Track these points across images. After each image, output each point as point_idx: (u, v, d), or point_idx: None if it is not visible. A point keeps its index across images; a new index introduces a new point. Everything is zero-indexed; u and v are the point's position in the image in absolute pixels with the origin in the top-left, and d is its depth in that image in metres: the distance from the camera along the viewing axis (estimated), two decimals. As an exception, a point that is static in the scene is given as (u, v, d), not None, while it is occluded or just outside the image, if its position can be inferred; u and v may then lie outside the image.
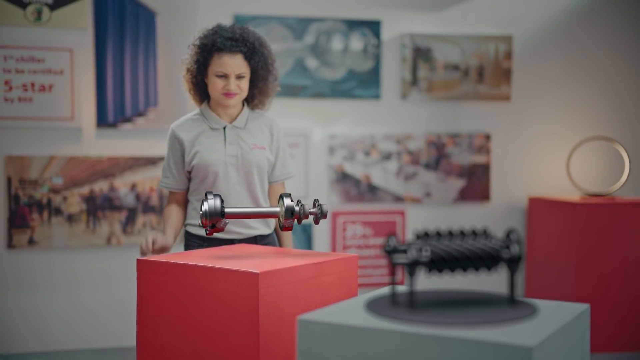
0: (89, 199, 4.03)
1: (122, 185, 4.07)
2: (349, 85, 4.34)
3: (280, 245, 2.70)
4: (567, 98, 4.64)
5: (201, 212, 2.15)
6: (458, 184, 4.50)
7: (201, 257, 2.07)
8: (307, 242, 4.30)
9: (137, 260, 2.06)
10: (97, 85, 4.02)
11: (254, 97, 2.64)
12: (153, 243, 2.39)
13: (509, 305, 1.50)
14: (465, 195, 4.51)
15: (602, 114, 4.67)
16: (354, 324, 1.42)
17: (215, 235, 2.53)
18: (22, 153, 3.95)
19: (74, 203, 4.01)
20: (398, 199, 4.43)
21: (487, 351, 1.29)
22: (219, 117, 2.60)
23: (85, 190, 4.03)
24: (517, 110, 4.59)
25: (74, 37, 3.99)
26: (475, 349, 1.30)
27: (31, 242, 3.95)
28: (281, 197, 2.18)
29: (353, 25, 4.34)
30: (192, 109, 2.80)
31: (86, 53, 4.01)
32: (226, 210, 2.16)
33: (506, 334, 1.32)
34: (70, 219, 4.01)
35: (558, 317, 1.46)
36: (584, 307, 1.57)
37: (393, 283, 1.54)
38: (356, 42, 4.35)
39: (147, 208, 4.10)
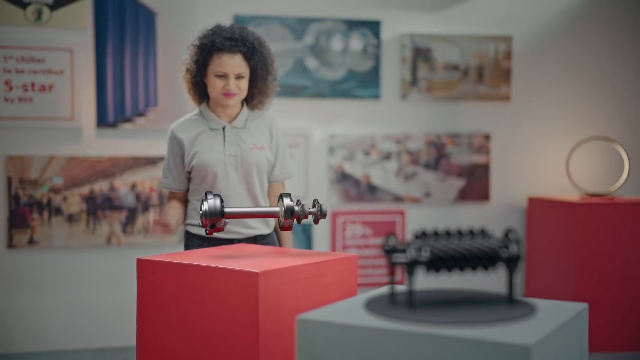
0: (89, 199, 4.03)
1: (122, 185, 4.08)
2: (349, 85, 4.35)
3: (280, 245, 2.71)
4: (567, 98, 4.65)
5: (201, 212, 2.16)
6: (458, 184, 4.51)
7: (201, 257, 2.07)
8: (307, 242, 4.31)
9: (137, 260, 2.07)
10: (97, 85, 4.03)
11: (254, 97, 2.65)
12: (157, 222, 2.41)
13: (507, 305, 1.51)
14: (464, 195, 4.51)
15: (601, 114, 4.68)
16: (353, 323, 1.43)
17: (215, 235, 2.53)
18: (22, 153, 3.95)
19: (74, 203, 4.02)
20: (398, 199, 4.44)
21: (486, 350, 1.29)
22: (218, 117, 2.60)
23: (85, 190, 4.03)
24: (517, 110, 4.59)
25: (74, 37, 3.99)
26: (474, 348, 1.30)
27: (31, 242, 3.96)
28: (281, 196, 2.18)
29: (353, 25, 4.34)
30: (192, 109, 2.80)
31: (86, 53, 4.01)
32: (226, 210, 2.17)
33: (505, 333, 1.32)
34: (71, 218, 4.01)
35: (556, 316, 1.47)
36: (582, 306, 1.58)
37: (392, 283, 1.54)
38: (356, 42, 4.36)
39: (147, 208, 4.10)
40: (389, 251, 1.48)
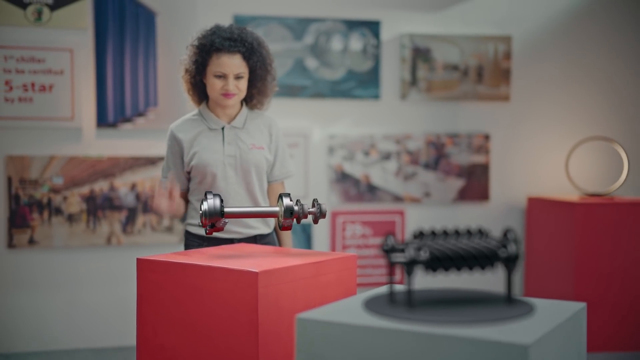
0: (89, 199, 4.04)
1: (122, 185, 4.08)
2: (349, 85, 4.35)
3: (280, 244, 2.71)
4: (566, 98, 4.65)
5: (201, 212, 2.16)
6: (457, 183, 4.51)
7: (201, 257, 2.08)
8: (307, 241, 4.32)
9: (137, 259, 2.08)
10: (97, 85, 4.03)
11: (253, 97, 2.65)
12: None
13: (506, 304, 1.51)
14: (464, 195, 4.52)
15: (601, 114, 4.68)
16: (352, 322, 1.43)
17: (215, 234, 2.54)
18: (23, 153, 3.96)
19: (74, 203, 4.02)
20: (397, 198, 4.44)
21: (484, 349, 1.30)
22: (218, 117, 2.61)
23: (85, 190, 4.04)
24: (516, 110, 4.60)
25: (74, 37, 4.00)
26: (473, 347, 1.31)
27: (31, 241, 3.97)
28: (280, 196, 2.19)
29: (352, 25, 4.35)
30: (192, 109, 2.81)
31: (86, 53, 4.02)
32: (225, 209, 2.18)
33: (503, 332, 1.33)
34: (71, 218, 4.02)
35: (555, 316, 1.47)
36: (580, 305, 1.58)
37: (391, 282, 1.55)
38: (356, 43, 4.36)
39: (147, 208, 4.11)
40: (388, 251, 1.49)
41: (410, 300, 1.49)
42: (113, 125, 4.07)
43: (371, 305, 1.54)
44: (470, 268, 1.49)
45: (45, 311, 4.02)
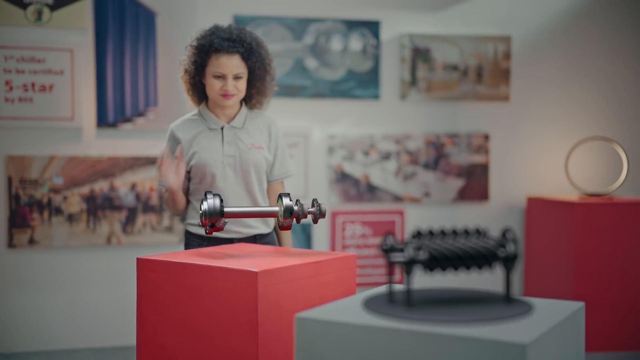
0: (89, 199, 4.04)
1: (122, 185, 4.09)
2: (348, 85, 4.36)
3: (280, 244, 2.72)
4: (566, 98, 4.66)
5: (201, 212, 2.17)
6: (457, 183, 4.52)
7: (201, 256, 2.08)
8: (307, 241, 4.32)
9: (137, 259, 2.08)
10: (97, 85, 4.04)
11: (252, 97, 2.66)
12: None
13: (504, 304, 1.52)
14: (464, 195, 4.52)
15: (600, 114, 4.69)
16: (352, 321, 1.44)
17: (215, 234, 2.54)
18: (23, 153, 3.96)
19: (74, 203, 4.03)
20: (397, 198, 4.45)
21: (483, 348, 1.30)
22: (217, 117, 2.61)
23: (85, 190, 4.04)
24: (516, 110, 4.60)
25: (74, 37, 4.00)
26: (471, 346, 1.31)
27: (31, 241, 3.97)
28: (280, 196, 2.19)
29: (352, 25, 4.36)
30: (192, 109, 2.81)
31: (86, 53, 4.02)
32: (225, 209, 2.18)
33: (501, 332, 1.34)
34: (71, 218, 4.02)
35: (553, 315, 1.48)
36: (578, 305, 1.59)
37: (390, 282, 1.55)
38: (355, 43, 4.37)
39: (147, 208, 4.12)
40: (387, 250, 1.49)
41: (409, 299, 1.49)
42: (113, 125, 4.07)
43: (370, 304, 1.54)
44: (469, 268, 1.50)
45: (46, 311, 4.03)
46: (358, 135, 4.39)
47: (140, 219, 4.11)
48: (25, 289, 3.99)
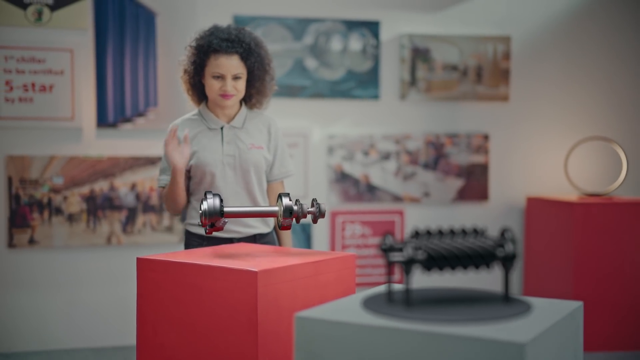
0: (89, 199, 4.05)
1: (122, 185, 4.09)
2: (348, 85, 4.36)
3: (280, 244, 2.72)
4: (565, 98, 4.66)
5: (200, 211, 2.17)
6: (456, 183, 4.52)
7: (200, 256, 2.09)
8: (306, 241, 4.33)
9: (137, 259, 2.09)
10: (98, 85, 4.04)
11: (252, 97, 2.66)
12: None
13: (503, 303, 1.52)
14: (463, 195, 4.53)
15: (600, 114, 4.69)
16: (351, 321, 1.44)
17: (215, 234, 2.55)
18: (23, 153, 3.97)
19: (74, 203, 4.03)
20: (397, 198, 4.45)
21: (481, 347, 1.31)
22: (217, 117, 2.62)
23: (85, 190, 4.05)
24: (516, 110, 4.61)
25: (74, 37, 4.01)
26: (470, 346, 1.32)
27: (32, 241, 3.98)
28: (280, 196, 2.20)
29: (352, 25, 4.36)
30: (192, 109, 2.82)
31: (86, 53, 4.03)
32: (225, 209, 2.18)
33: (500, 331, 1.34)
34: (71, 218, 4.03)
35: (551, 314, 1.49)
36: (577, 304, 1.59)
37: (389, 281, 1.56)
38: (355, 43, 4.37)
39: (147, 208, 4.12)
40: (386, 250, 1.50)
41: (408, 299, 1.50)
42: (113, 125, 4.08)
43: (370, 304, 1.55)
44: (468, 267, 1.50)
45: (46, 311, 4.03)
46: (358, 135, 4.39)
47: (140, 219, 4.11)
48: (25, 289, 4.00)
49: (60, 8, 3.96)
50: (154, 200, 4.12)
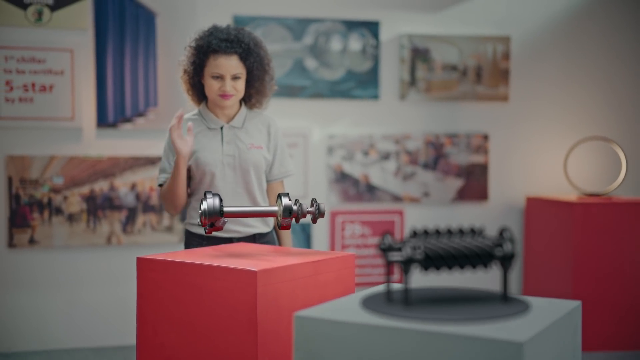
0: (89, 199, 4.05)
1: (122, 185, 4.10)
2: (348, 85, 4.37)
3: (280, 243, 2.73)
4: (565, 98, 4.67)
5: (200, 211, 2.18)
6: (456, 183, 4.53)
7: (200, 256, 2.09)
8: (306, 241, 4.33)
9: (137, 258, 2.09)
10: (98, 85, 4.05)
11: (251, 97, 2.67)
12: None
13: (501, 302, 1.53)
14: (463, 195, 4.53)
15: (599, 114, 4.70)
16: (350, 320, 1.45)
17: (214, 233, 2.55)
18: (23, 153, 3.97)
19: (75, 202, 4.04)
20: (396, 198, 4.46)
21: (480, 346, 1.31)
22: (217, 117, 2.62)
23: (85, 189, 4.05)
24: (515, 110, 4.61)
25: (74, 37, 4.01)
26: (468, 345, 1.32)
27: (32, 241, 3.98)
28: (279, 196, 2.20)
29: (352, 25, 4.37)
30: (192, 109, 2.82)
31: (86, 54, 4.03)
32: (225, 209, 2.19)
33: (498, 330, 1.35)
34: (71, 218, 4.03)
35: (550, 314, 1.49)
36: (575, 303, 1.60)
37: (388, 281, 1.56)
38: (355, 43, 4.38)
39: (147, 208, 4.13)
40: (385, 250, 1.50)
41: (407, 298, 1.50)
42: (113, 125, 4.08)
43: (369, 303, 1.55)
44: (467, 267, 1.51)
45: (46, 310, 4.04)
46: (357, 135, 4.40)
47: (140, 218, 4.12)
48: (25, 289, 4.01)
49: (60, 8, 3.96)
50: (154, 200, 4.13)
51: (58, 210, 4.01)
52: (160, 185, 2.62)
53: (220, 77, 2.53)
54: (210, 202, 2.15)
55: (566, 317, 1.53)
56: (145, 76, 4.11)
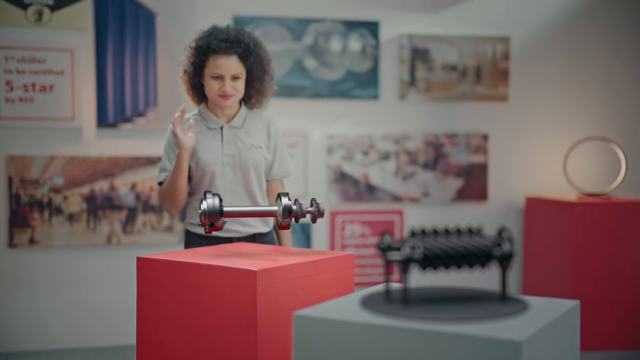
0: (89, 199, 4.06)
1: (122, 184, 4.10)
2: (348, 85, 4.37)
3: (280, 243, 2.73)
4: (565, 98, 4.67)
5: (200, 211, 2.18)
6: (456, 183, 4.53)
7: (200, 255, 2.10)
8: (306, 241, 4.34)
9: (137, 258, 2.09)
10: (98, 85, 4.05)
11: (251, 97, 2.67)
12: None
13: (500, 302, 1.53)
14: (463, 195, 4.54)
15: (599, 114, 4.70)
16: (349, 319, 1.45)
17: (214, 233, 2.56)
18: (23, 153, 3.98)
19: (75, 202, 4.04)
20: (396, 198, 4.46)
21: (478, 346, 1.32)
22: (217, 117, 2.63)
23: (85, 189, 4.06)
24: (515, 110, 4.62)
25: (74, 37, 4.02)
26: (467, 344, 1.33)
27: (32, 241, 3.99)
28: (279, 196, 2.21)
29: (351, 26, 4.37)
30: (192, 109, 2.83)
31: (87, 54, 4.04)
32: (224, 209, 2.19)
33: (496, 329, 1.35)
34: (71, 218, 4.04)
35: (548, 313, 1.49)
36: (574, 303, 1.60)
37: (387, 280, 1.57)
38: (355, 43, 4.38)
39: (147, 207, 4.13)
40: (384, 249, 1.51)
41: (406, 298, 1.51)
42: (113, 125, 4.09)
43: (368, 302, 1.56)
44: (462, 267, 1.51)
45: (46, 310, 4.04)
46: (357, 135, 4.40)
47: (140, 218, 4.12)
48: (25, 289, 4.01)
49: (61, 8, 3.97)
50: (154, 200, 4.13)
51: (58, 210, 4.01)
52: (160, 184, 2.61)
53: (220, 78, 2.54)
54: (210, 202, 2.16)
55: (564, 316, 1.53)
56: (145, 76, 4.12)
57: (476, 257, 1.51)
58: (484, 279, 4.45)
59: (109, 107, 4.07)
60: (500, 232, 1.54)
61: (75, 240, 4.04)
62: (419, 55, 4.42)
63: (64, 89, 3.98)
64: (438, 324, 1.38)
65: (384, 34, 4.42)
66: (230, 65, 2.53)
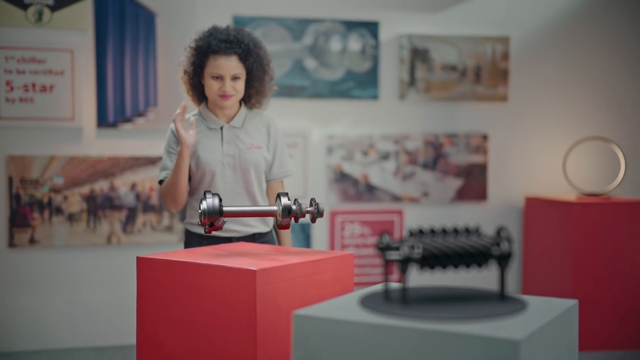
0: (90, 199, 4.06)
1: (122, 184, 4.11)
2: (347, 85, 4.38)
3: (279, 243, 2.74)
4: (564, 98, 4.68)
5: (200, 211, 2.18)
6: (455, 183, 4.54)
7: (200, 255, 2.10)
8: (306, 241, 4.34)
9: (137, 258, 2.10)
10: (98, 85, 4.06)
11: (251, 97, 2.68)
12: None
13: (498, 301, 1.54)
14: (462, 195, 4.54)
15: (598, 114, 4.71)
16: (348, 319, 1.46)
17: (214, 233, 2.56)
18: (23, 153, 3.98)
19: (75, 202, 4.05)
20: (396, 198, 4.47)
21: (477, 345, 1.32)
22: (217, 117, 2.63)
23: (85, 189, 4.06)
24: (514, 110, 4.62)
25: (74, 38, 4.02)
26: (465, 343, 1.33)
27: (32, 241, 3.99)
28: (278, 196, 2.21)
29: (351, 26, 4.38)
30: (193, 109, 2.83)
31: (87, 54, 4.04)
32: (224, 209, 2.20)
33: (495, 328, 1.35)
34: (71, 218, 4.04)
35: (546, 312, 1.50)
36: (572, 302, 1.61)
37: (386, 280, 1.57)
38: (354, 43, 4.39)
39: (147, 207, 4.14)
40: (383, 249, 1.51)
41: (405, 297, 1.51)
42: (113, 125, 4.09)
43: (367, 302, 1.56)
44: (460, 266, 1.52)
45: (46, 310, 4.05)
46: (357, 135, 4.41)
47: (140, 218, 4.13)
48: (25, 288, 4.01)
49: (61, 8, 3.97)
50: (154, 200, 4.14)
51: (58, 210, 4.02)
52: (161, 183, 2.62)
53: (220, 78, 2.54)
54: (209, 202, 2.16)
55: (563, 315, 1.54)
56: (145, 76, 4.12)
57: (475, 257, 1.52)
58: (483, 278, 4.46)
59: (109, 107, 4.08)
60: (499, 231, 1.55)
61: (75, 240, 4.04)
62: (418, 55, 4.43)
63: (64, 89, 3.99)
64: (437, 324, 1.39)
65: (384, 34, 4.43)
66: (230, 66, 2.53)
